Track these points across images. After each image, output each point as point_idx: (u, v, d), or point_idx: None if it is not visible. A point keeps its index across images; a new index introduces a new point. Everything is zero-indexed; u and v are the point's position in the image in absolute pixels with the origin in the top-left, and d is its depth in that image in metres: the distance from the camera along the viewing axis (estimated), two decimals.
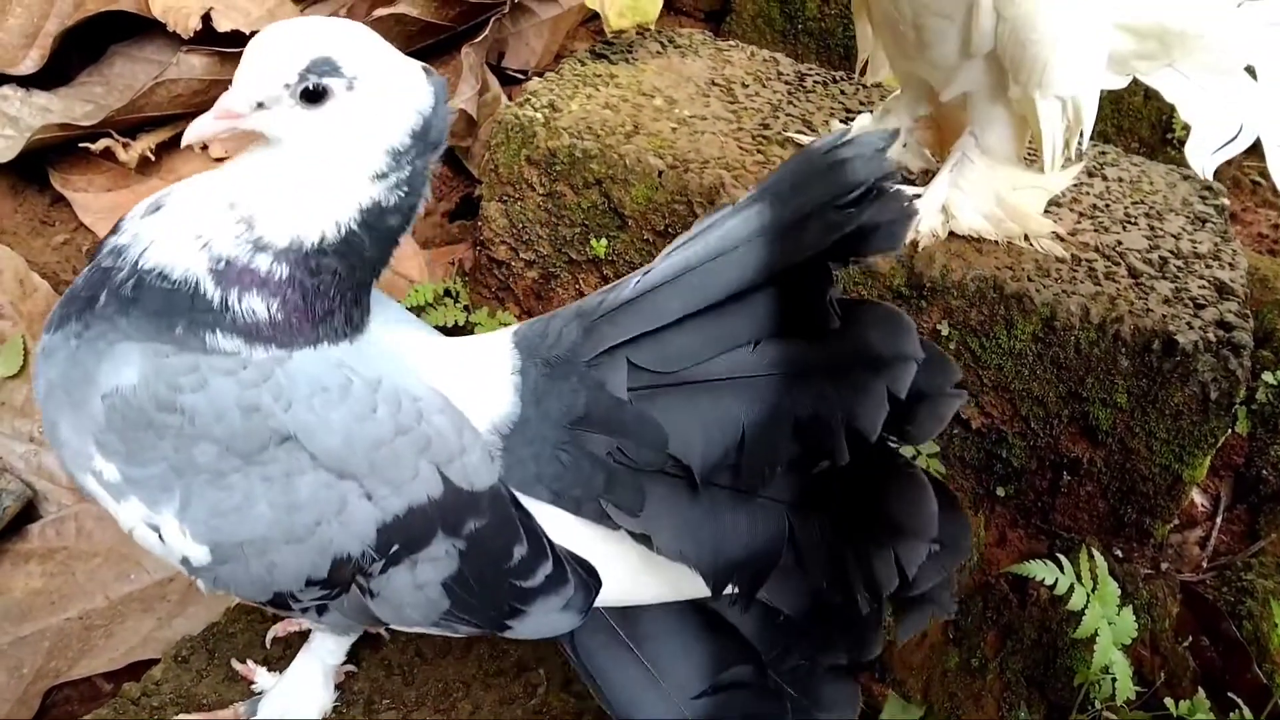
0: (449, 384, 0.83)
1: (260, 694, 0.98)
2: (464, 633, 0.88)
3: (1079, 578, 1.02)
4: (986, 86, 1.23)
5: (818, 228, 0.73)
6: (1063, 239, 1.35)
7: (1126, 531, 1.33)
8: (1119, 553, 1.33)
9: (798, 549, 0.80)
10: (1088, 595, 1.01)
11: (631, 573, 0.86)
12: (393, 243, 0.81)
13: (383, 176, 0.76)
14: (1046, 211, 1.37)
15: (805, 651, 0.88)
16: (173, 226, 0.77)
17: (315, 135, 0.74)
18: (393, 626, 0.87)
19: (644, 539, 0.82)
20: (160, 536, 0.79)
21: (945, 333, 1.28)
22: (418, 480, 0.80)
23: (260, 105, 0.74)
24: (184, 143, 0.78)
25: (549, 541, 0.84)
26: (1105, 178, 1.54)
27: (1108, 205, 1.46)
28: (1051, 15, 1.11)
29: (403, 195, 0.78)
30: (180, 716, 0.96)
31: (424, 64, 0.80)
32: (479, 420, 0.83)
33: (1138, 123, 1.93)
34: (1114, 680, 1.03)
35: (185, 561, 0.80)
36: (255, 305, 0.76)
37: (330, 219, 0.76)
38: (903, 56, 1.32)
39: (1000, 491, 1.35)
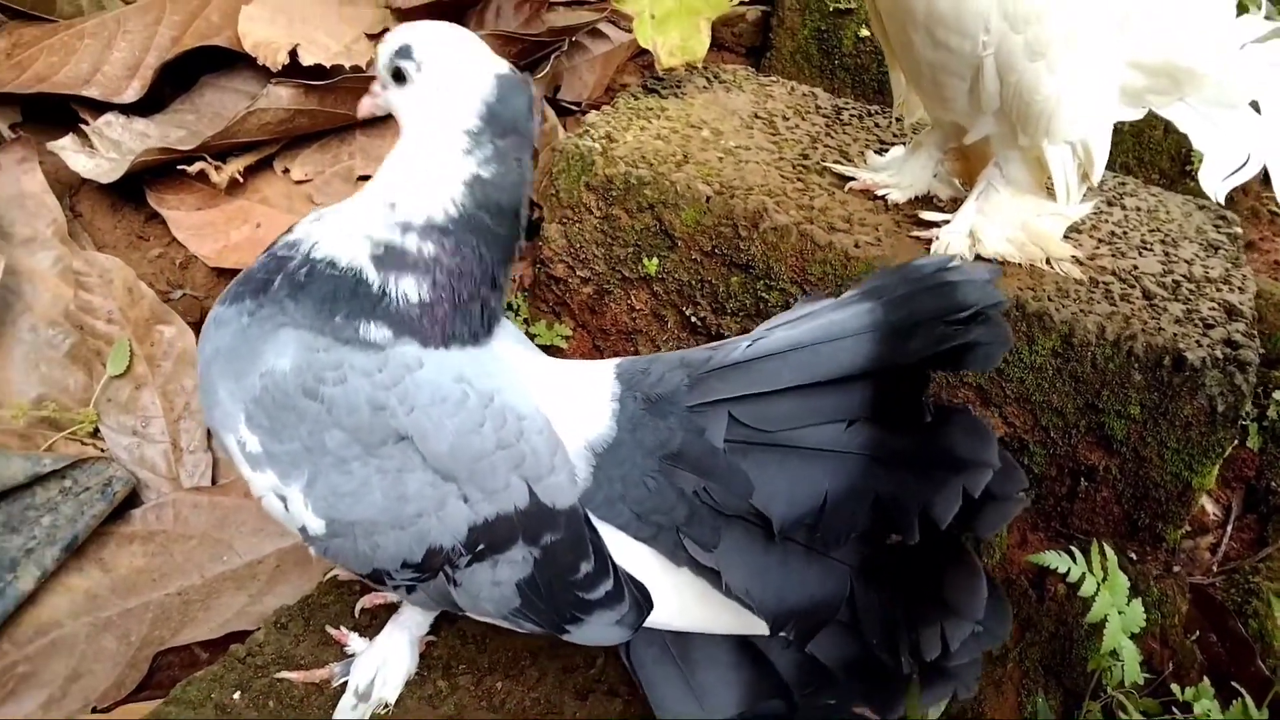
0: (554, 402, 0.94)
1: (352, 657, 1.09)
2: (527, 629, 0.98)
3: (1090, 569, 1.11)
4: (1003, 133, 1.35)
5: (926, 336, 0.84)
6: (1082, 263, 1.45)
7: (1140, 535, 1.43)
8: (1133, 555, 1.42)
9: (854, 608, 0.90)
10: (1098, 584, 1.11)
11: (684, 602, 0.96)
12: (514, 220, 0.89)
13: (469, 153, 0.86)
14: (1067, 237, 1.48)
15: (834, 696, 0.96)
16: (340, 223, 0.91)
17: (409, 111, 0.87)
18: (465, 614, 0.98)
19: (712, 574, 0.92)
20: (286, 506, 0.91)
21: None
22: (508, 491, 0.91)
23: (383, 87, 0.89)
24: (359, 115, 0.94)
25: (612, 562, 0.94)
26: (1124, 207, 1.65)
27: (1125, 232, 1.56)
28: (1052, 78, 1.21)
29: (498, 171, 0.86)
30: (282, 674, 1.08)
31: (511, 67, 0.89)
32: (576, 438, 0.94)
33: (1158, 155, 2.03)
34: (1123, 665, 1.12)
35: (303, 530, 0.92)
36: (409, 288, 0.87)
37: (445, 193, 0.87)
38: (930, 104, 1.44)
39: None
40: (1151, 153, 2.04)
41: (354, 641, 1.11)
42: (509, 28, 1.94)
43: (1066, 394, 1.36)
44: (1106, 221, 1.59)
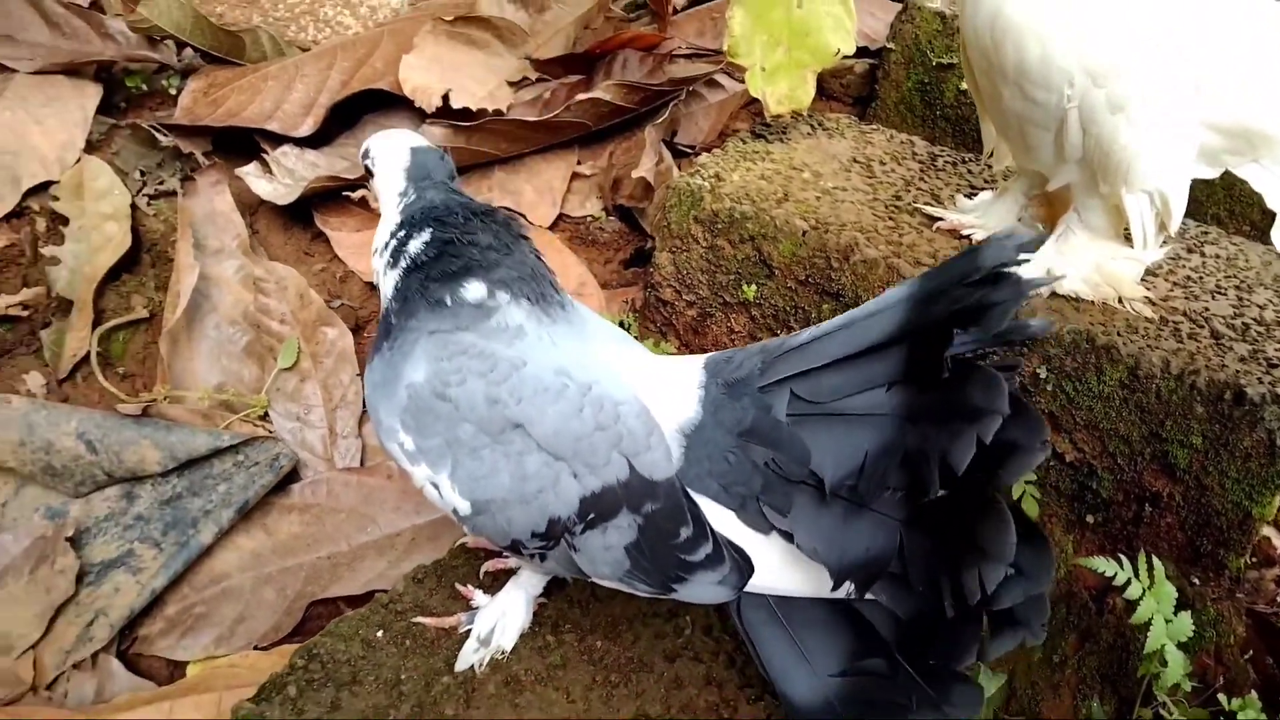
0: (652, 391, 1.09)
1: (476, 609, 1.28)
2: (641, 591, 1.10)
3: (1137, 576, 1.22)
4: (1084, 181, 1.47)
5: (945, 300, 0.95)
6: (1154, 303, 1.55)
7: (1203, 561, 1.51)
8: (1195, 580, 1.51)
9: (904, 559, 0.99)
10: (1143, 590, 1.21)
11: (775, 567, 1.07)
12: (446, 219, 1.12)
13: (403, 195, 1.16)
14: (1143, 280, 1.59)
15: (926, 652, 1.03)
16: (375, 260, 1.20)
17: (378, 189, 1.21)
18: (591, 579, 1.12)
19: (787, 536, 1.04)
20: (439, 492, 1.08)
21: (1043, 376, 1.51)
22: (610, 466, 1.05)
23: (369, 177, 1.23)
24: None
25: (710, 529, 1.06)
26: (1203, 254, 1.74)
27: (1201, 278, 1.66)
28: (1131, 130, 1.33)
29: (416, 200, 1.15)
30: (418, 619, 1.27)
31: (426, 141, 1.23)
32: (669, 421, 1.08)
33: (1249, 208, 2.09)
34: (1167, 668, 1.22)
35: (455, 511, 1.09)
36: (416, 247, 1.12)
37: (390, 221, 1.16)
38: (1016, 153, 1.58)
39: (1090, 519, 1.55)
40: (1243, 205, 2.11)
41: (478, 597, 1.30)
42: (634, 78, 2.14)
43: (1132, 423, 1.47)
44: (1184, 267, 1.68)
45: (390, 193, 1.17)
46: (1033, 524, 0.98)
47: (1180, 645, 1.27)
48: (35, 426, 1.57)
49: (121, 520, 1.57)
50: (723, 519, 1.07)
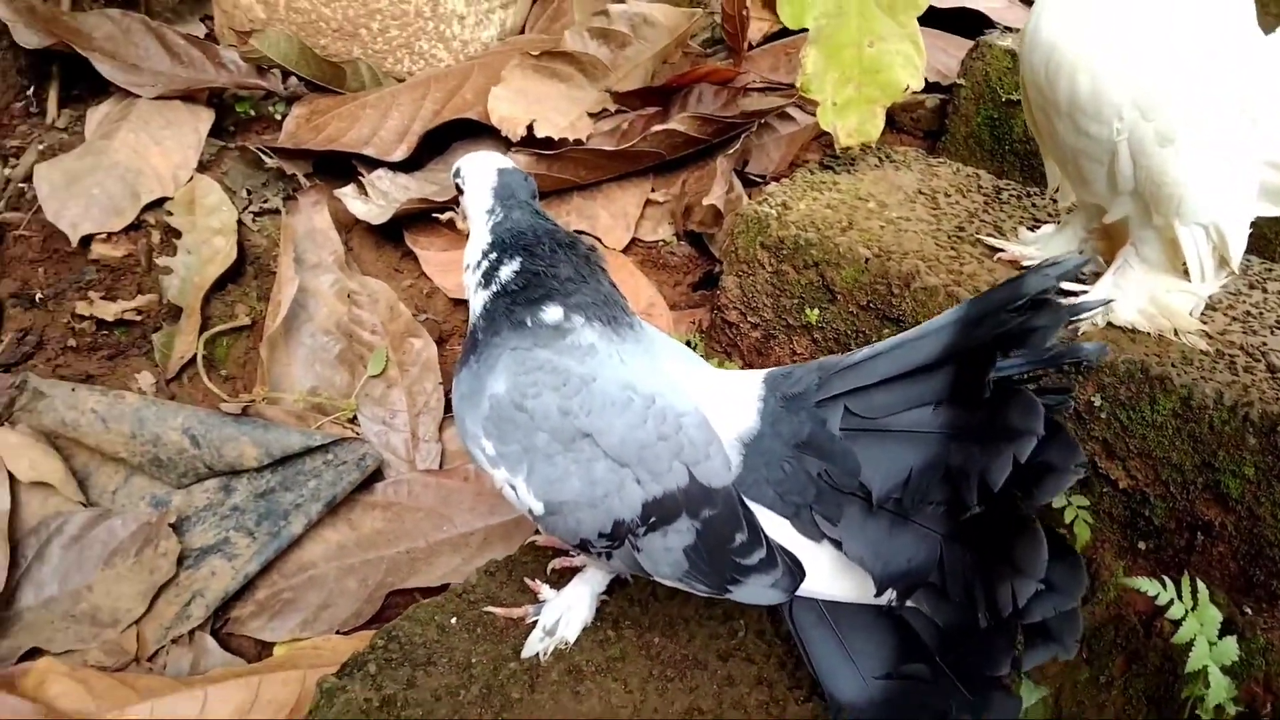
0: (712, 404, 1.17)
1: (543, 603, 1.37)
2: (700, 590, 1.18)
3: (1180, 597, 1.26)
4: (1138, 213, 1.51)
5: (990, 324, 1.02)
6: (1210, 336, 1.58)
7: (1256, 592, 1.52)
8: (1248, 610, 1.53)
9: (943, 571, 1.06)
10: (1186, 610, 1.25)
11: (826, 573, 1.14)
12: (533, 240, 1.23)
13: (490, 213, 1.25)
14: (1202, 315, 1.62)
15: (966, 660, 1.08)
16: (465, 278, 1.31)
17: (467, 205, 1.30)
18: (653, 578, 1.20)
19: (836, 544, 1.11)
20: (516, 493, 1.18)
21: (1098, 404, 1.55)
22: (671, 474, 1.13)
23: (459, 194, 1.33)
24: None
25: (765, 535, 1.14)
26: (1265, 290, 1.76)
27: (1261, 313, 1.68)
28: (1180, 162, 1.38)
29: (504, 219, 1.24)
30: (488, 608, 1.36)
31: (512, 163, 1.34)
32: (729, 432, 1.16)
33: None
34: (1209, 689, 1.25)
35: (530, 511, 1.18)
36: (508, 274, 1.21)
37: (480, 240, 1.26)
38: (1074, 186, 1.63)
39: (1142, 545, 1.58)
40: None
41: (545, 591, 1.39)
42: (708, 110, 2.24)
43: (1185, 452, 1.50)
44: (1244, 302, 1.71)
45: (479, 210, 1.28)
46: (1065, 542, 1.04)
47: (1226, 671, 1.29)
48: (145, 421, 1.71)
49: (219, 510, 1.70)
50: (777, 526, 1.14)
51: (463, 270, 1.27)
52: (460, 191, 1.34)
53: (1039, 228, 1.83)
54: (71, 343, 1.90)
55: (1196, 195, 1.41)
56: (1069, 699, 1.48)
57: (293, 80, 2.32)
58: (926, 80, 2.58)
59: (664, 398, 1.15)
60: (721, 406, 1.18)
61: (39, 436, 1.72)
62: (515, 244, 1.22)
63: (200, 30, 2.46)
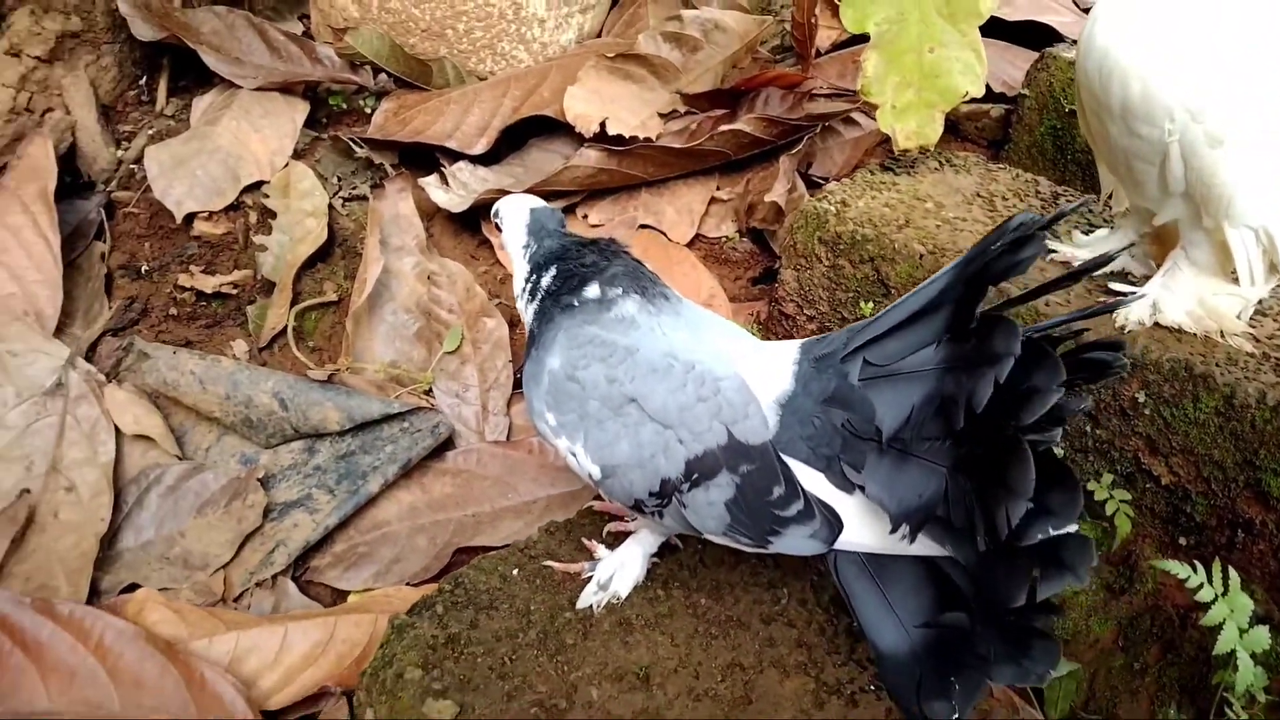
0: (752, 369, 1.25)
1: (598, 560, 1.46)
2: (745, 545, 1.25)
3: (1210, 581, 1.30)
4: (1189, 216, 1.56)
5: (979, 260, 1.09)
6: (1257, 340, 1.62)
7: None
8: None
9: (948, 502, 1.10)
10: (1216, 595, 1.29)
11: (861, 523, 1.20)
12: (565, 254, 1.37)
13: (526, 248, 1.42)
14: (1252, 319, 1.65)
15: (1004, 608, 1.10)
16: (516, 286, 1.46)
17: (506, 241, 1.47)
18: (701, 535, 1.27)
19: (863, 490, 1.17)
20: (577, 459, 1.28)
21: (1142, 400, 1.59)
22: (711, 433, 1.21)
23: (498, 231, 1.48)
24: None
25: (801, 487, 1.20)
26: None
27: None
28: (1230, 165, 1.43)
29: (540, 249, 1.39)
30: (548, 562, 1.46)
31: (543, 202, 1.50)
32: (767, 395, 1.23)
33: None
34: (1238, 673, 1.29)
35: (590, 476, 1.28)
36: (547, 280, 1.36)
37: (523, 268, 1.42)
38: (1127, 189, 1.68)
39: (1182, 541, 1.61)
40: None
41: (601, 550, 1.48)
42: (774, 113, 2.32)
43: (1227, 449, 1.53)
44: None
45: (516, 245, 1.44)
46: (1063, 466, 1.06)
47: (1258, 660, 1.33)
48: (239, 384, 1.85)
49: (303, 470, 1.83)
50: (813, 480, 1.21)
51: (515, 301, 1.43)
52: (498, 229, 1.49)
53: (1092, 232, 1.88)
54: (173, 311, 2.05)
55: (1246, 197, 1.46)
56: (1103, 683, 1.53)
57: (382, 76, 2.46)
58: (992, 90, 2.65)
59: (703, 364, 1.24)
60: (761, 372, 1.25)
61: (142, 394, 1.87)
62: (548, 260, 1.38)
63: (298, 28, 2.62)
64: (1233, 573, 1.34)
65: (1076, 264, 1.78)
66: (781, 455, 1.22)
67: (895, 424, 1.14)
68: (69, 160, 2.26)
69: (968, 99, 1.95)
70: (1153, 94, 1.43)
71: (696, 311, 1.35)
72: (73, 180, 2.27)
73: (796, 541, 1.21)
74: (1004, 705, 1.36)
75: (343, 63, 2.39)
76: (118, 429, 1.81)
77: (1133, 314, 1.62)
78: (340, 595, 1.71)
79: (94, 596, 1.63)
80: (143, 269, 2.10)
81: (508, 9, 2.45)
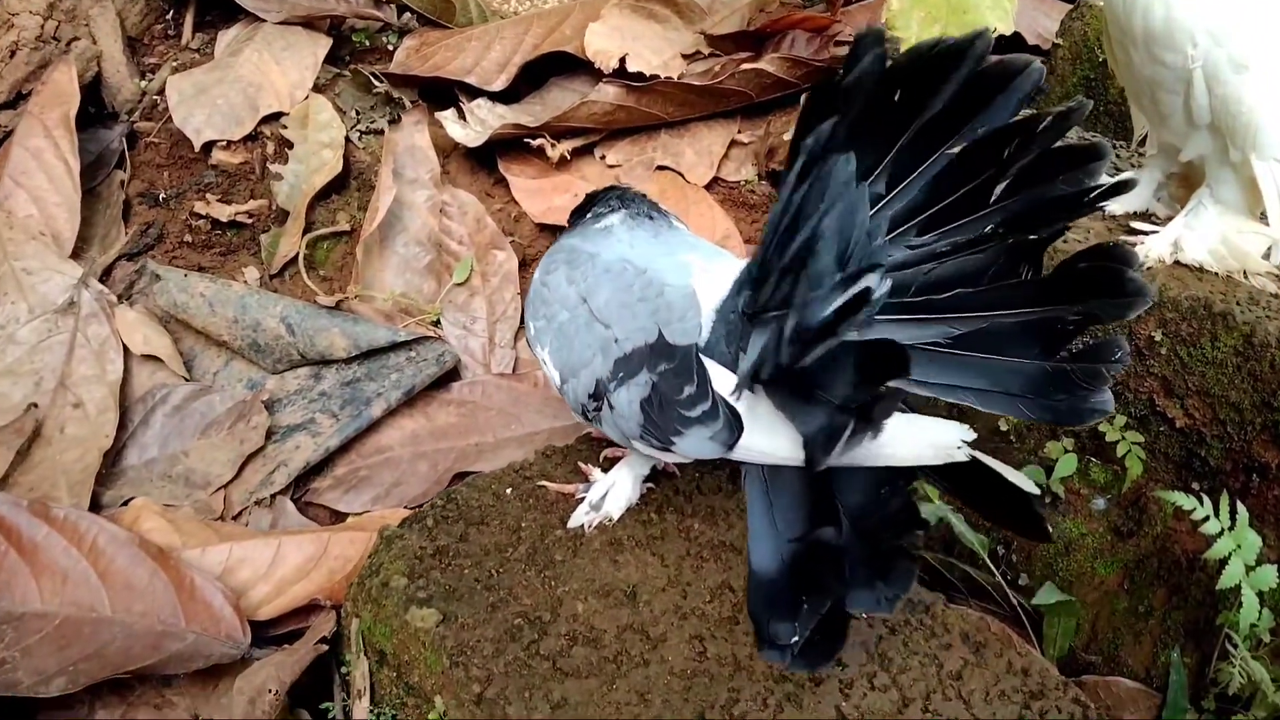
0: (708, 282, 1.19)
1: (592, 483, 1.45)
2: (654, 449, 1.19)
3: (1216, 514, 1.26)
4: (1215, 150, 1.50)
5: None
6: None
7: None
8: None
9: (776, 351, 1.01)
10: (1223, 529, 1.25)
11: (760, 429, 1.10)
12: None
13: None
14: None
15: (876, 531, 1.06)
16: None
17: None
18: (631, 445, 1.23)
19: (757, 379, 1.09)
20: (547, 368, 1.29)
21: (1158, 339, 1.54)
22: (642, 332, 1.17)
23: None
24: None
25: (712, 389, 1.12)
26: None
27: None
28: (1256, 90, 1.37)
29: None
30: (542, 482, 1.45)
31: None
32: (709, 304, 1.18)
33: None
34: (1242, 609, 1.25)
35: (557, 385, 1.28)
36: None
37: None
38: (1152, 125, 1.62)
39: (1196, 486, 1.57)
40: None
41: (595, 473, 1.46)
42: (799, 54, 2.28)
43: (1244, 390, 1.49)
44: None
45: None
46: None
47: (1264, 600, 1.29)
48: (248, 308, 1.86)
49: (308, 395, 1.83)
50: (729, 382, 1.14)
51: None
52: None
53: (1116, 176, 1.82)
54: (188, 238, 2.06)
55: (1274, 126, 1.40)
56: (1105, 626, 1.49)
57: (407, 16, 2.45)
58: (1025, 42, 2.58)
59: (656, 270, 1.21)
60: (713, 284, 1.20)
61: (153, 315, 1.88)
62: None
63: None
64: (1241, 508, 1.30)
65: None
66: (704, 358, 1.15)
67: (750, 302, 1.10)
68: (94, 90, 2.28)
69: (995, 34, 1.89)
70: (1175, 17, 1.38)
71: (681, 233, 1.34)
72: (97, 110, 2.29)
73: (697, 443, 1.14)
74: (1000, 641, 1.33)
75: None
76: (127, 349, 1.82)
77: (1153, 251, 1.57)
78: (339, 517, 1.71)
79: (95, 510, 1.64)
80: (161, 196, 2.11)
81: None
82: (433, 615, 1.25)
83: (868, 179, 1.01)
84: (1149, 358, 1.55)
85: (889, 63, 0.97)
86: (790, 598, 1.07)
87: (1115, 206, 1.70)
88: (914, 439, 1.04)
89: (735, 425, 1.11)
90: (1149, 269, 1.56)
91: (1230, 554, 1.24)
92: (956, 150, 1.01)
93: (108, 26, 2.29)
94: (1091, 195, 0.96)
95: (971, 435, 1.02)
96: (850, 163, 0.95)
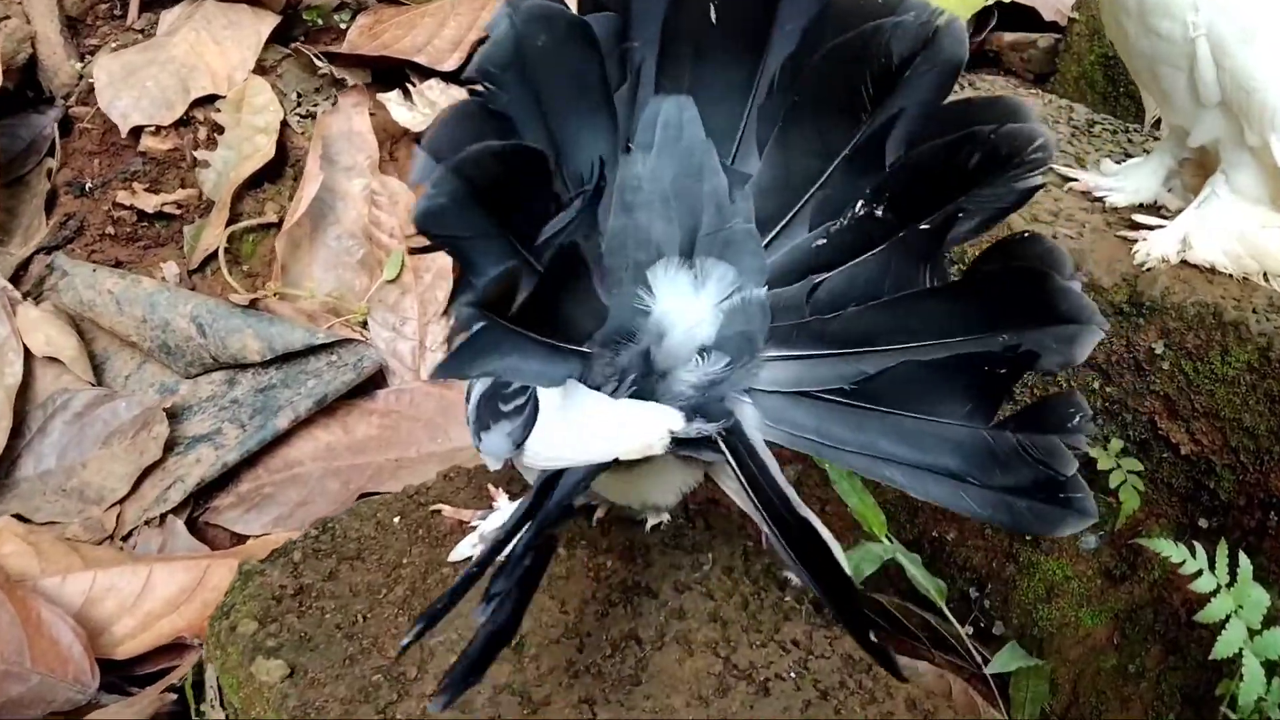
0: None
1: (493, 511, 1.27)
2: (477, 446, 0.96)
3: (1212, 568, 1.05)
4: (1229, 133, 1.29)
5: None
6: None
7: None
8: None
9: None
10: (1219, 585, 1.04)
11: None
12: None
13: None
14: None
15: None
16: None
17: None
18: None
19: None
20: None
21: (1160, 351, 1.33)
22: None
23: None
24: None
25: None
26: None
27: None
28: (1270, 62, 1.16)
29: None
30: (436, 505, 1.27)
31: None
32: None
33: None
34: (1243, 682, 1.04)
35: None
36: None
37: None
38: (1157, 102, 1.41)
39: (1203, 523, 1.35)
40: None
41: (502, 499, 1.28)
42: None
43: (1260, 414, 1.27)
44: None
45: None
46: None
47: (1272, 669, 1.08)
48: (157, 306, 1.71)
49: (219, 402, 1.68)
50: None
51: None
52: None
53: (1124, 160, 1.60)
54: (110, 231, 1.92)
55: None
56: (1088, 687, 1.28)
57: None
58: (1041, 18, 2.36)
59: None
60: None
61: (60, 314, 1.74)
62: None
63: None
64: (1244, 559, 1.08)
65: (1099, 194, 1.51)
66: None
67: None
68: (30, 74, 2.15)
69: (987, 1, 1.68)
70: None
71: None
72: (36, 95, 2.16)
73: (499, 439, 0.92)
74: (957, 708, 1.13)
75: None
76: (29, 350, 1.68)
77: (1155, 249, 1.35)
78: (239, 539, 1.55)
79: None
80: (86, 186, 1.97)
81: None
82: (279, 668, 1.08)
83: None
84: (1149, 373, 1.34)
85: None
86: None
87: (1116, 198, 1.48)
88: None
89: (530, 422, 0.89)
90: (1149, 270, 1.34)
91: (1229, 615, 1.03)
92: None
93: (44, 6, 2.16)
94: (978, 161, 0.74)
95: (680, 423, 0.80)
96: (689, 107, 0.76)
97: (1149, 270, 1.34)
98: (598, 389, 0.85)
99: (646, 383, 0.85)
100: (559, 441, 0.83)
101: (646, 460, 0.88)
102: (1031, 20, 2.38)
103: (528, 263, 0.73)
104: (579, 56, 0.78)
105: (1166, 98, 1.32)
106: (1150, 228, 1.40)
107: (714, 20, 0.81)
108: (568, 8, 0.78)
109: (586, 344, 0.83)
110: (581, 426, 0.80)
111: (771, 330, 0.85)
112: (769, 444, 0.87)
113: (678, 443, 0.85)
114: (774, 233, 0.86)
